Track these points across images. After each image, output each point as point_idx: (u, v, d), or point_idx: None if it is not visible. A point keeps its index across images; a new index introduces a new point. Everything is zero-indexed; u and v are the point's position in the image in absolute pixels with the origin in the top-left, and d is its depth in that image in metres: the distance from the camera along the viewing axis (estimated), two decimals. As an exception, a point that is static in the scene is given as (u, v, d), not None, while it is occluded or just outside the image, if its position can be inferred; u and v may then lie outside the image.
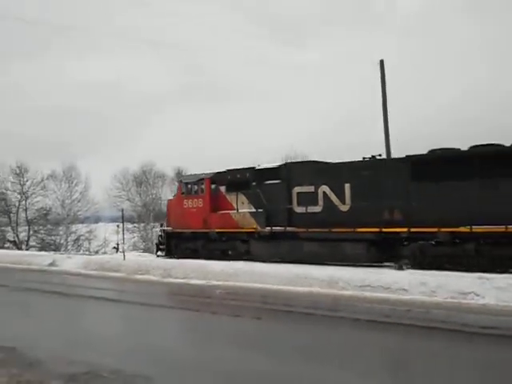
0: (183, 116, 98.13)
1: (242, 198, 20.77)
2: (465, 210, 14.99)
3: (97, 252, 39.53)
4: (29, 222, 56.28)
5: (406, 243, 16.62)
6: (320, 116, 74.65)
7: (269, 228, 19.61)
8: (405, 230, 16.32)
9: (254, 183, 20.34)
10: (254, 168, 20.86)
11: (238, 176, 21.11)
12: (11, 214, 57.46)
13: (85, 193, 57.12)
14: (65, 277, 19.78)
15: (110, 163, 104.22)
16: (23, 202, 57.00)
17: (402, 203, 16.43)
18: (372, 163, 17.90)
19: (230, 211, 20.92)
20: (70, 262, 22.74)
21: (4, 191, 57.86)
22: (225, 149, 75.64)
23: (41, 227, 55.38)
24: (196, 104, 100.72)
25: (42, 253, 28.63)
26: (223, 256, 20.87)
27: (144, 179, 59.28)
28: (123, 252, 22.40)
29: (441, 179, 15.60)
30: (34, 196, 56.85)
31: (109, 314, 12.09)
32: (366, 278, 13.82)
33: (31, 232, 56.04)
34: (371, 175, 17.43)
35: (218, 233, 21.27)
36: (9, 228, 57.26)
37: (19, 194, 57.23)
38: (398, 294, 12.76)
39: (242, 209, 20.63)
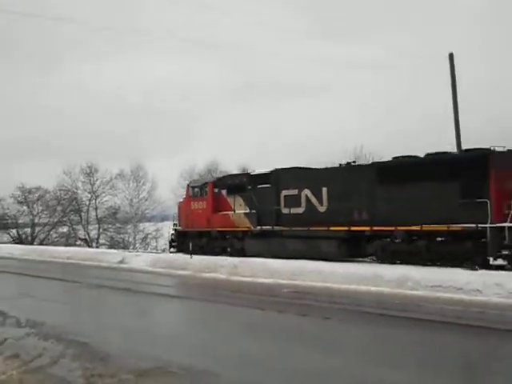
0: (247, 114, 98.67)
1: (239, 200, 23.38)
2: (417, 210, 16.97)
3: (163, 250, 40.36)
4: (98, 221, 58.37)
5: (370, 241, 18.68)
6: (389, 115, 73.12)
7: (259, 227, 22.12)
8: (368, 228, 18.45)
9: (249, 187, 22.89)
10: (249, 173, 24.33)
11: (237, 180, 24.07)
12: (82, 213, 59.83)
13: (152, 192, 58.54)
14: (134, 274, 20.35)
15: (177, 162, 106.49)
16: (93, 201, 59.23)
17: (369, 205, 18.56)
18: (345, 169, 20.41)
19: (229, 212, 23.63)
20: (138, 259, 23.36)
21: (75, 190, 60.26)
22: (288, 147, 75.53)
23: (110, 226, 57.27)
24: (258, 101, 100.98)
25: (112, 251, 29.62)
26: (223, 253, 23.27)
27: (210, 177, 60.10)
28: (190, 250, 22.75)
29: (399, 183, 17.66)
30: (103, 195, 58.96)
31: (177, 310, 12.35)
32: (436, 278, 13.46)
33: (101, 230, 58.10)
34: (344, 180, 19.65)
35: (218, 231, 24.03)
36: (80, 226, 59.64)
37: (89, 193, 59.50)
38: (471, 295, 12.34)
39: (238, 210, 23.26)
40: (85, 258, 26.64)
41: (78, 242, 57.26)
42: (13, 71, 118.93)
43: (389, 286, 13.95)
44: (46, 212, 62.17)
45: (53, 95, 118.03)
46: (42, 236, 61.68)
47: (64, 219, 60.68)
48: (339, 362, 7.38)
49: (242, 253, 22.24)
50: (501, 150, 16.54)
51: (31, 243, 56.86)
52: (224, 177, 26.04)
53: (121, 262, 23.72)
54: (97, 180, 60.41)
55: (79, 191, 60.47)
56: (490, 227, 15.50)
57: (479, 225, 15.68)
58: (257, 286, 15.76)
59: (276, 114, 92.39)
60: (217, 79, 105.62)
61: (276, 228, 21.57)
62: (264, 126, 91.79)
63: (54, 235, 61.88)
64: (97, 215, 58.91)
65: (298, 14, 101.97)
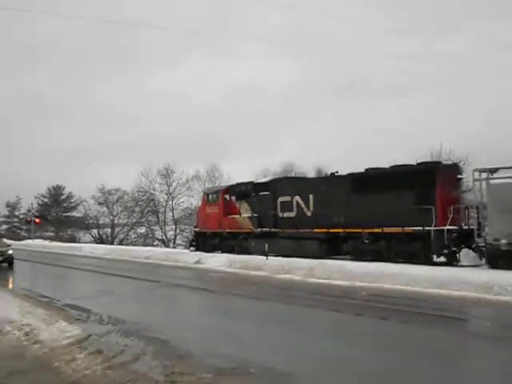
0: (324, 115, 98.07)
1: (245, 205, 27.13)
2: (380, 215, 19.97)
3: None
4: (175, 222, 59.73)
5: (345, 241, 21.80)
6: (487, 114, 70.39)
7: (260, 229, 25.78)
8: (342, 230, 21.73)
9: (252, 194, 26.67)
10: (253, 182, 28.15)
11: (243, 188, 27.73)
12: (159, 214, 61.45)
13: (227, 193, 59.06)
14: (210, 274, 20.67)
15: (252, 163, 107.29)
16: (170, 202, 60.69)
17: (344, 210, 21.75)
18: (327, 179, 24.26)
19: (236, 215, 27.40)
20: (214, 260, 23.71)
21: (152, 192, 62.03)
22: (371, 148, 74.43)
23: (186, 226, 58.39)
24: (337, 102, 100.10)
25: (188, 251, 30.11)
26: (233, 251, 26.66)
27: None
28: (266, 252, 22.88)
29: (368, 191, 20.76)
30: (179, 196, 60.33)
31: (254, 311, 12.40)
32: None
33: (177, 231, 59.40)
34: (326, 188, 22.97)
35: (228, 232, 27.74)
36: (157, 227, 61.28)
37: (166, 194, 61.09)
38: None
39: (244, 214, 27.06)
40: (162, 258, 27.35)
41: (156, 243, 58.85)
42: (91, 77, 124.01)
43: (473, 290, 13.43)
44: (124, 213, 64.46)
45: (130, 99, 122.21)
46: (121, 236, 63.98)
47: (142, 220, 62.65)
48: (420, 367, 7.17)
49: (246, 251, 25.87)
50: (447, 163, 20.38)
51: (111, 243, 59.10)
52: (233, 185, 29.60)
53: (197, 262, 24.16)
54: (173, 181, 61.98)
55: (156, 192, 62.24)
56: (434, 229, 18.54)
57: (425, 227, 18.69)
58: (333, 289, 15.60)
59: (360, 114, 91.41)
60: (292, 80, 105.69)
61: (273, 230, 25.16)
62: (345, 126, 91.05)
63: (133, 235, 64.04)
64: (173, 216, 60.32)
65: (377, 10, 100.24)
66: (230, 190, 28.84)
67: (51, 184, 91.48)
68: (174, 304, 13.69)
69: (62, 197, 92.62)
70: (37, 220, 63.16)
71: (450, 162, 20.27)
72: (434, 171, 19.36)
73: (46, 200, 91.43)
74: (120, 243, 58.03)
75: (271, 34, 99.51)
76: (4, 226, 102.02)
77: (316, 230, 22.77)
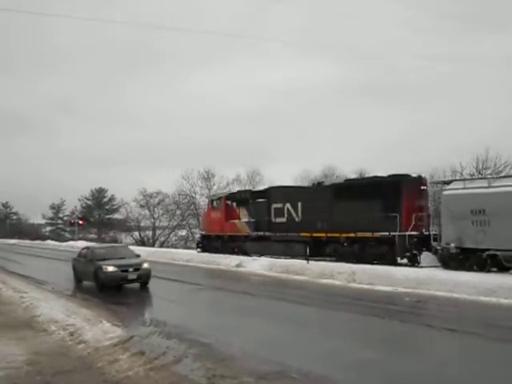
0: (365, 117, 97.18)
1: (244, 211, 30.06)
2: (355, 221, 22.49)
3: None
4: (216, 225, 59.99)
5: (327, 244, 24.40)
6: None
7: (255, 233, 28.58)
8: (324, 235, 24.43)
9: (250, 201, 29.68)
10: (251, 190, 32.40)
11: (243, 195, 31.07)
12: (200, 217, 61.87)
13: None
14: (251, 278, 20.72)
15: (293, 166, 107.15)
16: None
17: (327, 217, 24.27)
18: (313, 188, 27.18)
19: (236, 220, 30.34)
20: (255, 263, 23.73)
21: (193, 195, 62.57)
22: (413, 151, 73.45)
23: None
24: (379, 104, 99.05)
25: (229, 255, 30.20)
26: (233, 252, 29.06)
27: (325, 182, 59.84)
28: (307, 256, 22.85)
29: (346, 200, 23.36)
30: (220, 200, 60.55)
31: (294, 315, 12.35)
32: None
33: (218, 234, 59.64)
34: (312, 197, 25.79)
35: (229, 236, 30.63)
36: (197, 230, 61.72)
37: (207, 197, 61.43)
38: None
39: (243, 219, 29.94)
40: (203, 260, 27.53)
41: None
42: (131, 80, 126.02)
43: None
44: (165, 215, 65.24)
45: (170, 102, 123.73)
46: (162, 239, 64.74)
47: (183, 223, 63.25)
48: (471, 375, 7.02)
49: (245, 253, 28.45)
50: (413, 175, 22.59)
51: (152, 245, 59.80)
52: (234, 192, 33.79)
53: (238, 265, 24.23)
54: (214, 185, 62.40)
55: (197, 196, 62.70)
56: (398, 235, 21.01)
57: (391, 233, 21.15)
58: (376, 294, 15.42)
59: (400, 115, 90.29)
60: (334, 82, 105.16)
61: (267, 234, 27.85)
62: (387, 129, 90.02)
63: (174, 238, 64.71)
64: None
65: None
66: (232, 196, 32.08)
67: (94, 187, 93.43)
68: (216, 307, 13.76)
69: (105, 199, 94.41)
70: (80, 222, 64.49)
71: (415, 175, 22.89)
72: (400, 183, 21.88)
73: (89, 202, 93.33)
74: (161, 246, 58.73)
75: (308, 36, 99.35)
76: (48, 228, 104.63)
77: (302, 234, 25.45)
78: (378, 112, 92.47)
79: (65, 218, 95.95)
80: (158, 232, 66.61)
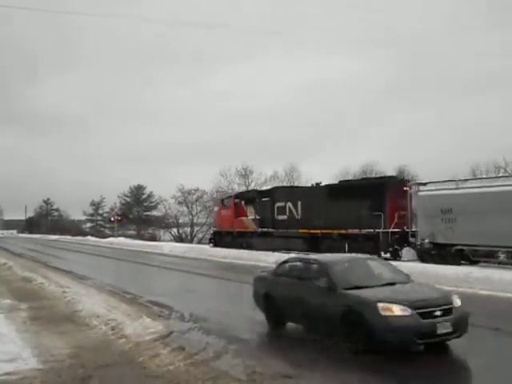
0: (406, 113, 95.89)
1: (251, 209, 32.60)
2: (345, 219, 24.64)
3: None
4: (254, 222, 60.10)
5: (322, 240, 26.40)
6: None
7: (261, 229, 31.07)
8: (319, 231, 26.56)
9: (257, 200, 32.23)
10: (257, 190, 36.36)
11: (250, 194, 34.39)
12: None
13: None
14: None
15: (331, 164, 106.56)
16: (248, 202, 61.11)
17: (322, 215, 26.30)
18: (311, 188, 30.17)
19: (244, 217, 32.87)
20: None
21: (231, 192, 62.82)
22: (454, 146, 72.11)
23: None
24: (422, 100, 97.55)
25: (267, 252, 30.23)
26: (241, 247, 31.36)
27: (365, 179, 59.32)
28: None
29: (339, 200, 25.41)
30: (258, 197, 60.60)
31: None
32: None
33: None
34: (310, 196, 28.47)
35: (237, 232, 33.30)
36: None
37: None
38: None
39: (250, 216, 32.43)
40: (241, 257, 27.62)
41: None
42: (167, 78, 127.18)
43: None
44: (203, 212, 65.65)
45: (208, 100, 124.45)
46: (200, 235, 65.15)
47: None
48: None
49: (252, 248, 30.62)
50: (397, 178, 27.04)
51: (190, 242, 60.30)
52: (242, 192, 37.73)
53: (276, 262, 24.19)
54: (251, 182, 62.48)
55: (235, 193, 62.87)
56: (382, 232, 23.11)
57: (376, 230, 23.27)
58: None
59: (442, 112, 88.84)
60: (371, 77, 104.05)
61: (270, 230, 30.34)
62: (426, 126, 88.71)
63: (212, 234, 65.07)
64: (253, 216, 60.69)
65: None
66: (240, 195, 35.30)
67: (133, 184, 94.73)
68: (255, 304, 13.78)
69: (143, 196, 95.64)
70: (119, 218, 65.44)
71: (399, 178, 27.34)
72: (384, 184, 24.48)
73: (128, 199, 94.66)
74: (199, 242, 59.15)
75: (345, 30, 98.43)
76: (88, 224, 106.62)
77: (300, 231, 27.85)
78: (416, 108, 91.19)
79: (104, 215, 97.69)
80: (195, 229, 67.13)
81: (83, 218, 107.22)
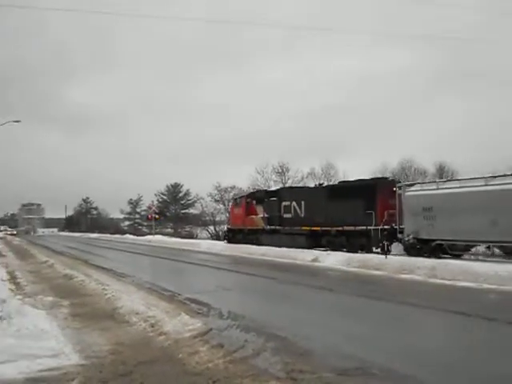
0: (447, 108, 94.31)
1: (260, 207, 35.81)
2: (342, 217, 27.59)
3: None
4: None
5: (322, 236, 29.35)
6: None
7: (269, 227, 34.19)
8: (319, 228, 29.52)
9: (265, 199, 35.39)
10: (266, 190, 40.40)
11: (260, 194, 37.78)
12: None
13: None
14: (328, 273, 20.63)
15: (369, 160, 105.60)
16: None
17: (323, 213, 29.18)
18: (314, 188, 34.36)
19: (254, 216, 36.10)
20: (331, 258, 23.59)
21: (267, 189, 62.81)
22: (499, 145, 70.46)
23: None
24: (459, 94, 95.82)
25: (305, 249, 30.19)
26: (252, 243, 34.01)
27: (403, 176, 58.61)
28: (386, 251, 22.59)
29: (337, 199, 28.40)
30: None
31: (374, 311, 12.20)
32: None
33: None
34: (313, 196, 31.57)
35: (248, 229, 36.57)
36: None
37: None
38: None
39: (260, 214, 35.61)
40: (278, 255, 27.62)
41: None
42: (205, 75, 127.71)
43: None
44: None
45: (243, 97, 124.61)
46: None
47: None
48: None
49: (261, 244, 33.16)
50: (388, 179, 30.05)
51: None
52: (253, 192, 41.82)
53: (314, 260, 24.17)
54: (288, 179, 62.40)
55: (272, 190, 62.85)
56: (373, 228, 25.78)
57: (368, 227, 25.99)
58: (458, 290, 14.98)
59: (484, 107, 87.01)
60: (409, 71, 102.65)
61: (277, 227, 33.25)
62: (468, 121, 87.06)
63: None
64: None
65: None
66: (251, 195, 38.69)
67: (170, 182, 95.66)
68: (293, 301, 13.78)
69: (180, 194, 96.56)
70: (157, 217, 66.18)
71: (390, 179, 30.68)
72: (376, 185, 27.23)
73: (165, 197, 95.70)
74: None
75: (386, 22, 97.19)
76: (126, 222, 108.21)
77: (303, 228, 30.69)
78: (456, 102, 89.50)
79: (142, 213, 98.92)
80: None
81: (121, 216, 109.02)
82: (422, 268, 18.26)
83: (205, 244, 40.75)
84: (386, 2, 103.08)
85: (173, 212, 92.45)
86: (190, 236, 68.17)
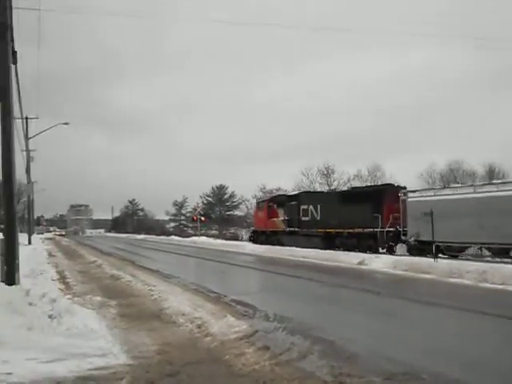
0: (495, 110, 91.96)
1: (281, 211, 38.76)
2: (353, 219, 30.16)
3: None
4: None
5: (336, 238, 32.23)
6: None
7: (289, 229, 37.06)
8: (333, 230, 32.24)
9: (286, 203, 38.26)
10: (285, 194, 42.94)
11: (280, 198, 40.87)
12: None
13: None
14: (374, 276, 20.43)
15: (416, 162, 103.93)
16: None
17: (336, 216, 31.87)
18: (328, 194, 42.82)
19: (275, 218, 39.29)
20: (378, 261, 23.33)
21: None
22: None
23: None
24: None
25: (351, 252, 30.00)
26: (274, 244, 37.45)
27: (452, 178, 57.53)
28: (434, 254, 22.25)
29: (349, 203, 31.02)
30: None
31: (421, 314, 12.02)
32: None
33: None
34: (328, 200, 35.02)
35: (270, 231, 39.89)
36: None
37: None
38: None
39: (280, 217, 38.64)
40: (322, 257, 27.48)
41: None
42: (251, 78, 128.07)
43: None
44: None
45: (287, 98, 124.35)
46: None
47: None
48: None
49: (282, 245, 36.24)
50: (395, 186, 31.77)
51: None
52: (275, 196, 45.04)
53: (360, 263, 23.94)
54: (334, 181, 62.07)
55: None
56: (379, 230, 28.43)
57: (375, 229, 28.69)
58: (510, 295, 14.61)
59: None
60: (462, 74, 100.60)
61: (296, 229, 36.07)
62: None
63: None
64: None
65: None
66: (273, 199, 42.03)
67: (215, 184, 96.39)
68: (340, 304, 13.70)
69: (225, 196, 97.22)
70: (203, 218, 66.76)
71: (396, 185, 31.97)
72: (384, 191, 30.28)
73: (210, 199, 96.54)
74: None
75: (422, 20, 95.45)
76: (172, 224, 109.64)
77: (319, 230, 33.44)
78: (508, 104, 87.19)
79: (187, 215, 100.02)
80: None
81: (166, 217, 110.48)
82: (472, 272, 17.85)
83: (249, 246, 40.88)
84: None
85: (217, 214, 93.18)
86: (235, 238, 68.44)
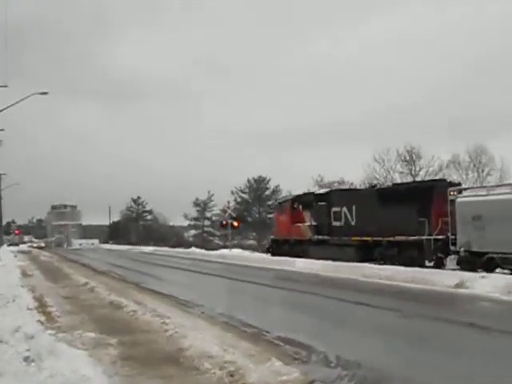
0: None
1: (308, 213, 40.43)
2: (394, 224, 31.71)
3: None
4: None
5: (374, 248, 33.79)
6: None
7: (316, 236, 38.86)
8: (370, 239, 33.94)
9: (313, 203, 39.70)
10: (313, 193, 43.49)
11: (307, 198, 41.92)
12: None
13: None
14: (479, 304, 20.11)
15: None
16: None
17: (372, 220, 33.61)
18: (364, 192, 41.28)
19: (301, 224, 40.82)
20: (484, 282, 22.94)
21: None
22: None
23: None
24: None
25: (444, 271, 29.65)
26: (298, 256, 38.25)
27: None
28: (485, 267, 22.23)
29: (388, 204, 32.78)
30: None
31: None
32: None
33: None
34: (364, 200, 36.40)
35: (294, 240, 41.56)
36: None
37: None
38: None
39: (306, 222, 40.25)
40: (405, 279, 27.10)
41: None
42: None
43: None
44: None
45: (340, 72, 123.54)
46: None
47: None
48: None
49: (307, 257, 37.51)
50: (444, 181, 33.43)
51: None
52: (300, 195, 45.03)
53: (458, 285, 23.61)
54: (420, 170, 61.45)
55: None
56: (425, 239, 29.47)
57: (421, 237, 29.71)
58: None
59: None
60: None
61: (325, 237, 37.82)
62: None
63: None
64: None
65: None
66: (298, 199, 43.03)
67: (252, 175, 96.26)
68: (427, 344, 13.53)
69: (267, 192, 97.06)
70: (235, 223, 66.70)
71: (449, 181, 33.84)
72: (432, 188, 31.31)
73: (245, 196, 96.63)
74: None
75: None
76: (192, 232, 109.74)
77: (353, 239, 35.18)
78: None
79: (213, 218, 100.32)
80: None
81: (185, 223, 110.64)
82: None
83: (299, 262, 40.68)
84: None
85: (256, 216, 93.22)
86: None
